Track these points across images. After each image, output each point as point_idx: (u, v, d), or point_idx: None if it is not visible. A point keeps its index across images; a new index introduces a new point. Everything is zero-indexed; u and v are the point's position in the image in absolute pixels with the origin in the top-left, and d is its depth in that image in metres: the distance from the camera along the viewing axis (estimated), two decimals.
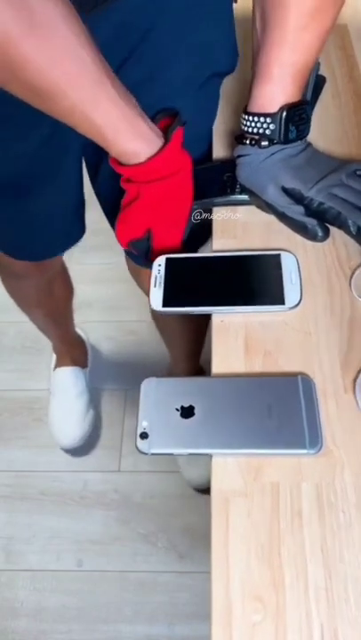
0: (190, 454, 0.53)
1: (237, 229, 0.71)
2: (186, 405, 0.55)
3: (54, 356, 1.55)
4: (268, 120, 0.67)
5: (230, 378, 0.58)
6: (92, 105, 0.58)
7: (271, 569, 0.47)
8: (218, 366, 0.59)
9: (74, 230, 1.00)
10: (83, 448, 1.46)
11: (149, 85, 0.70)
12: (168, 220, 0.69)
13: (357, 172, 0.66)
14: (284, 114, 0.66)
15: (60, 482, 1.43)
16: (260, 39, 0.67)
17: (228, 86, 0.85)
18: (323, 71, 0.85)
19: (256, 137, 0.68)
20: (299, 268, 0.64)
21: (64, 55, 0.54)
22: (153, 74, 0.72)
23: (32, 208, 0.90)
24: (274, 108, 0.67)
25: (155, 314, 0.65)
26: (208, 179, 0.73)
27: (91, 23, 0.56)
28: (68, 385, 1.50)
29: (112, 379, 1.59)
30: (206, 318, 0.64)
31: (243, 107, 0.70)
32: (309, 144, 0.71)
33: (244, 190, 0.71)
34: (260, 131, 0.68)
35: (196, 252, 0.76)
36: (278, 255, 0.65)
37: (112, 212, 0.73)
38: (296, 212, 0.66)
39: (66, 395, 1.50)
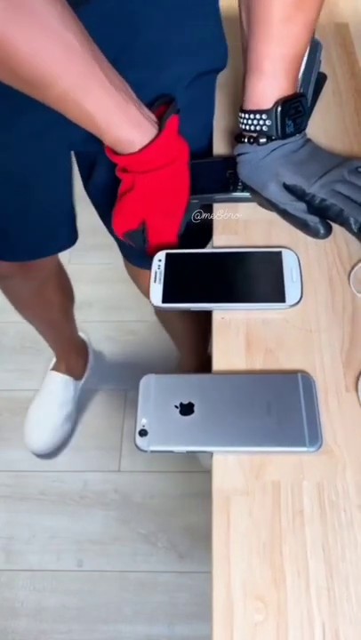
0: (190, 452, 0.52)
1: (239, 226, 0.71)
2: (185, 402, 0.54)
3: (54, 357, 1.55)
4: (264, 116, 0.66)
5: (230, 375, 0.58)
6: (82, 91, 0.57)
7: (272, 568, 0.46)
8: (218, 363, 0.59)
9: (61, 235, 0.99)
10: (48, 455, 1.47)
11: (141, 85, 0.69)
12: (163, 211, 0.68)
13: (359, 169, 0.66)
14: (279, 108, 0.66)
15: (60, 482, 1.42)
16: (247, 35, 0.67)
17: (228, 83, 0.85)
18: (324, 69, 0.85)
19: (254, 134, 0.68)
20: (300, 265, 0.64)
21: (50, 40, 0.53)
22: (144, 73, 0.71)
23: (12, 209, 0.89)
24: (268, 104, 0.66)
25: (157, 309, 0.64)
26: (210, 175, 0.73)
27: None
28: (54, 392, 1.50)
29: (112, 379, 1.59)
30: (206, 315, 0.64)
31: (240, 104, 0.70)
32: (309, 139, 0.71)
33: (245, 188, 0.71)
34: (258, 128, 0.67)
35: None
36: (279, 252, 0.65)
37: (105, 214, 0.72)
38: (298, 209, 0.66)
39: (49, 398, 1.50)
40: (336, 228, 0.66)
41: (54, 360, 1.54)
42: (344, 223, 0.64)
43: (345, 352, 0.58)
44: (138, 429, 0.53)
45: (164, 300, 0.63)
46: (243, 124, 0.69)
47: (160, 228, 0.69)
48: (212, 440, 0.52)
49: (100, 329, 1.68)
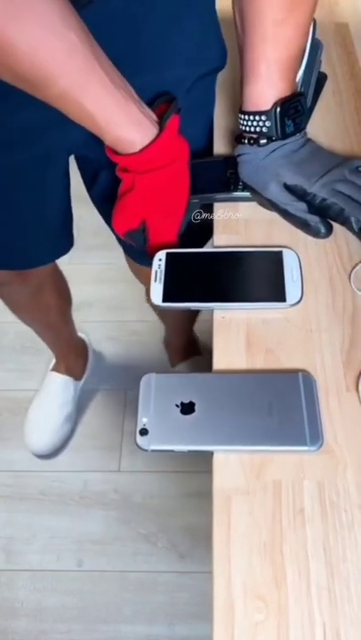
0: (190, 451, 0.52)
1: (239, 226, 0.71)
2: (186, 401, 0.54)
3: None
4: (264, 118, 0.66)
5: (231, 374, 0.58)
6: (82, 89, 0.57)
7: (273, 567, 0.46)
8: (219, 362, 0.59)
9: (59, 243, 0.99)
10: (48, 455, 1.47)
11: (144, 88, 0.69)
12: (163, 211, 0.68)
13: (360, 168, 0.66)
14: (278, 109, 0.66)
15: (60, 482, 1.42)
16: (241, 38, 0.67)
17: (228, 83, 0.85)
18: (324, 69, 0.85)
19: (254, 135, 0.68)
20: (300, 264, 0.64)
21: (51, 39, 0.53)
22: (147, 76, 0.71)
23: (10, 218, 0.88)
24: (267, 105, 0.66)
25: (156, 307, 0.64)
26: (211, 174, 0.73)
27: None
28: (53, 392, 1.50)
29: (112, 379, 1.59)
30: None
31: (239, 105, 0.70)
32: (309, 138, 0.71)
33: (246, 187, 0.71)
34: (257, 129, 0.67)
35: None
36: (280, 252, 0.65)
37: (110, 219, 0.72)
38: (299, 208, 0.66)
39: (49, 399, 1.50)
40: (336, 227, 0.66)
41: (54, 361, 1.54)
42: (345, 222, 0.64)
43: (345, 352, 0.58)
44: (138, 428, 0.53)
45: (165, 300, 0.63)
46: (242, 125, 0.69)
47: (160, 227, 0.69)
48: (213, 439, 0.52)
49: (101, 329, 1.68)
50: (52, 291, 1.26)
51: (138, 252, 0.90)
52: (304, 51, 0.70)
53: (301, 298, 0.61)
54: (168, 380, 0.57)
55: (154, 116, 0.64)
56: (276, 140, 0.67)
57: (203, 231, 0.73)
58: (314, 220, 0.65)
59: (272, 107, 0.66)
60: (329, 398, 0.55)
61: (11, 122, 0.73)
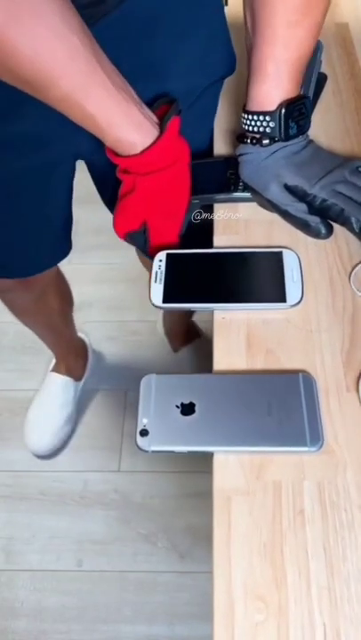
0: (191, 452, 0.52)
1: (239, 226, 0.71)
2: (186, 402, 0.54)
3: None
4: (268, 118, 0.66)
5: (231, 375, 0.58)
6: (84, 92, 0.57)
7: (273, 568, 0.46)
8: (219, 363, 0.59)
9: (59, 247, 0.99)
10: (48, 456, 1.47)
11: (151, 99, 0.70)
12: (164, 212, 0.68)
13: (360, 169, 0.66)
14: (283, 111, 0.66)
15: (60, 482, 1.42)
16: (251, 37, 0.67)
17: (229, 84, 0.85)
18: (324, 69, 0.85)
19: (257, 135, 0.68)
20: (300, 265, 0.64)
21: (52, 41, 0.52)
22: (153, 89, 0.71)
23: (12, 223, 0.88)
24: (272, 106, 0.66)
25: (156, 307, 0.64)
26: (211, 175, 0.73)
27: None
28: (54, 393, 1.50)
29: (112, 379, 1.59)
30: None
31: (242, 104, 0.70)
32: (311, 140, 0.71)
33: (246, 188, 0.71)
34: (261, 129, 0.67)
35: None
36: (280, 252, 0.65)
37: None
38: (299, 209, 0.66)
39: (49, 400, 1.50)
40: (336, 228, 0.66)
41: (54, 361, 1.54)
42: (345, 223, 0.64)
43: (345, 352, 0.58)
44: (139, 429, 0.53)
45: (165, 300, 0.63)
46: (245, 124, 0.69)
47: (161, 228, 0.69)
48: (213, 440, 0.52)
49: (101, 329, 1.68)
50: (55, 294, 1.26)
51: None
52: (312, 52, 0.69)
53: (302, 298, 0.61)
54: (168, 381, 0.57)
55: (155, 118, 0.64)
56: (278, 140, 0.67)
57: (203, 232, 0.73)
58: (314, 220, 0.65)
59: (277, 108, 0.66)
60: (329, 398, 0.55)
61: (21, 129, 0.73)
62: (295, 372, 0.56)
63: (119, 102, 0.59)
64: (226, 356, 0.59)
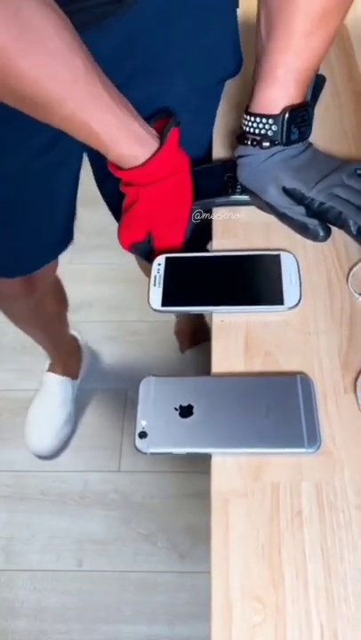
0: (189, 454, 0.53)
1: (238, 229, 0.71)
2: (185, 405, 0.55)
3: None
4: (271, 121, 0.67)
5: (229, 377, 0.58)
6: (88, 112, 0.58)
7: (271, 568, 0.47)
8: (218, 365, 0.59)
9: (63, 239, 0.99)
10: (48, 456, 1.47)
11: (157, 99, 0.70)
12: (168, 221, 0.69)
13: (358, 172, 0.66)
14: (287, 115, 0.66)
15: (60, 482, 1.42)
16: (264, 43, 0.67)
17: (229, 86, 0.85)
18: (322, 71, 0.85)
19: (258, 137, 0.68)
20: (298, 268, 0.64)
21: (58, 65, 0.54)
22: (160, 88, 0.72)
23: (16, 218, 0.88)
24: (276, 110, 0.66)
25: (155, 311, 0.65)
26: (209, 179, 0.73)
27: (96, 38, 0.56)
28: (52, 393, 1.51)
29: (112, 379, 1.59)
30: None
31: (244, 106, 0.70)
32: (310, 144, 0.71)
33: (244, 190, 0.71)
34: (262, 131, 0.68)
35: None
36: (278, 255, 0.65)
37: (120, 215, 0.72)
38: (297, 212, 0.66)
39: (48, 400, 1.50)
40: (334, 230, 0.66)
41: (48, 362, 1.54)
42: (343, 225, 0.64)
43: (343, 354, 0.59)
44: (138, 431, 0.54)
45: (164, 304, 0.64)
46: (247, 125, 0.69)
47: (166, 237, 0.70)
48: (211, 442, 0.53)
49: (101, 329, 1.68)
50: (53, 300, 1.27)
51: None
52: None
53: (300, 301, 0.62)
54: (167, 384, 0.57)
55: (154, 132, 0.65)
56: (278, 144, 0.68)
57: (202, 233, 0.74)
58: (312, 223, 0.65)
59: (281, 112, 0.66)
60: (327, 400, 0.56)
61: (31, 130, 0.73)
62: (293, 374, 0.57)
63: (121, 119, 0.61)
64: (224, 358, 0.59)
